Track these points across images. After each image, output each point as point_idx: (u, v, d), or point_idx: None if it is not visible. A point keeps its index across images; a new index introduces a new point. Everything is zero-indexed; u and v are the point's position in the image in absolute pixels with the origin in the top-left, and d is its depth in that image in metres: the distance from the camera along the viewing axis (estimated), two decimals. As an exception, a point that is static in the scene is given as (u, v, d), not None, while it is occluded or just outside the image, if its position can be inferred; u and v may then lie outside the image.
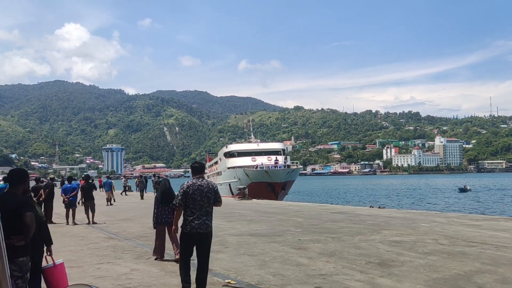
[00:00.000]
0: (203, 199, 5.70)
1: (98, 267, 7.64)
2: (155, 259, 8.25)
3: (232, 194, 35.11)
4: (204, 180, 5.90)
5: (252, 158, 41.33)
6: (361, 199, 48.19)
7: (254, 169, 38.20)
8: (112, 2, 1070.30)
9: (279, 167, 38.42)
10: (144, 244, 9.61)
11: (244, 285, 6.24)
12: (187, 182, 5.90)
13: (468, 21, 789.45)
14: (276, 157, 40.63)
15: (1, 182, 16.74)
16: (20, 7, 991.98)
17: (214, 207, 5.87)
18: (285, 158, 41.89)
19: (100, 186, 41.00)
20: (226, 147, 48.24)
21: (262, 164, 38.61)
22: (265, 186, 35.94)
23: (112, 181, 27.94)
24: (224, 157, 44.70)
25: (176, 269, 6.47)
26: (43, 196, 15.25)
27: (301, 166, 59.62)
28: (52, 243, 4.81)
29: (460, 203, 37.87)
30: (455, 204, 37.60)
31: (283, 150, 45.17)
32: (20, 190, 4.40)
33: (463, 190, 55.46)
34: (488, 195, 49.35)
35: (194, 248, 5.75)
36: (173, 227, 6.28)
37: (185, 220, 5.72)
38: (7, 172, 4.91)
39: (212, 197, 5.77)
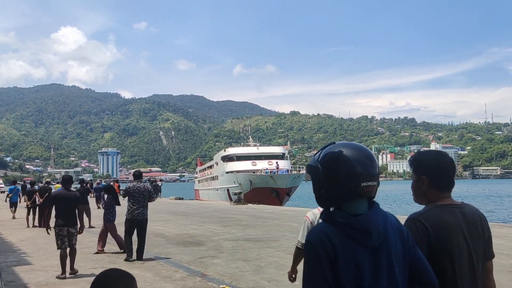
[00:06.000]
0: (140, 196, 8.58)
1: (92, 271, 7.58)
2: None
3: (231, 199, 34.00)
4: (142, 183, 8.89)
5: (252, 162, 39.63)
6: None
7: (257, 173, 36.50)
8: (108, 5, 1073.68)
9: (283, 172, 36.88)
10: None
11: (239, 290, 6.20)
12: (129, 184, 8.93)
13: (464, 28, 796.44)
14: (277, 162, 38.99)
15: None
16: (17, 10, 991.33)
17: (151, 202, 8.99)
18: (293, 163, 40.42)
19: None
20: (224, 150, 46.00)
21: (267, 169, 36.88)
22: (269, 192, 34.53)
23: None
24: (221, 161, 43.13)
25: (171, 274, 7.30)
26: (40, 200, 15.05)
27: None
28: None
29: None
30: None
31: (284, 154, 43.31)
32: (70, 188, 7.71)
33: None
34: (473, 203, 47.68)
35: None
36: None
37: (128, 210, 8.63)
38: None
39: (146, 195, 8.68)
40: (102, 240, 9.72)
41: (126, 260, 8.51)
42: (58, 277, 7.10)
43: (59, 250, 7.27)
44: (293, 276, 3.64)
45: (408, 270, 1.65)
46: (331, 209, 1.69)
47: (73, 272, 7.40)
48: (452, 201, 2.03)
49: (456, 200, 2.06)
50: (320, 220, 1.69)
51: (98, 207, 22.75)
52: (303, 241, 3.15)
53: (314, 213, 3.52)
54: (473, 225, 1.98)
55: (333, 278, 1.55)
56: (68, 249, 7.34)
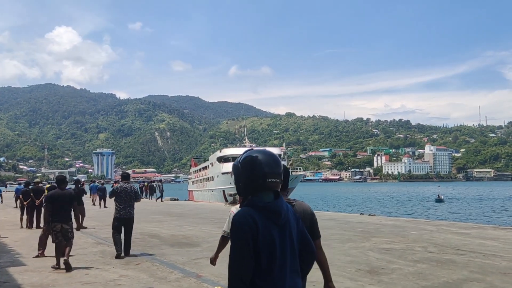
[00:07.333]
0: (127, 196, 9.08)
1: (86, 272, 7.56)
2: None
3: (226, 200, 33.88)
4: (129, 184, 9.31)
5: None
6: (352, 206, 48.25)
7: None
8: (103, 5, 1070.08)
9: None
10: (133, 250, 9.54)
11: (234, 292, 6.19)
12: (117, 185, 9.47)
13: (459, 31, 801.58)
14: None
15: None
16: (11, 9, 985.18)
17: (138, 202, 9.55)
18: (290, 165, 40.29)
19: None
20: (220, 151, 45.74)
21: None
22: None
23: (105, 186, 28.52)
24: (217, 162, 42.85)
25: (166, 275, 7.28)
26: (37, 201, 14.85)
27: (304, 172, 55.01)
28: None
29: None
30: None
31: (280, 155, 42.67)
32: (65, 188, 8.33)
33: (439, 200, 51.62)
34: (462, 207, 44.86)
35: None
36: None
37: (116, 209, 9.13)
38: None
39: (133, 195, 9.17)
40: (42, 243, 9.31)
41: (116, 257, 8.81)
42: (53, 267, 7.79)
43: (55, 243, 7.92)
44: (215, 261, 4.09)
45: (300, 242, 2.33)
46: (249, 198, 2.28)
47: (67, 263, 7.62)
48: (287, 199, 2.88)
49: (290, 198, 2.99)
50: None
51: (104, 207, 24.92)
52: (228, 231, 3.69)
53: (237, 207, 3.76)
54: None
55: (254, 248, 2.13)
56: (64, 243, 7.94)
